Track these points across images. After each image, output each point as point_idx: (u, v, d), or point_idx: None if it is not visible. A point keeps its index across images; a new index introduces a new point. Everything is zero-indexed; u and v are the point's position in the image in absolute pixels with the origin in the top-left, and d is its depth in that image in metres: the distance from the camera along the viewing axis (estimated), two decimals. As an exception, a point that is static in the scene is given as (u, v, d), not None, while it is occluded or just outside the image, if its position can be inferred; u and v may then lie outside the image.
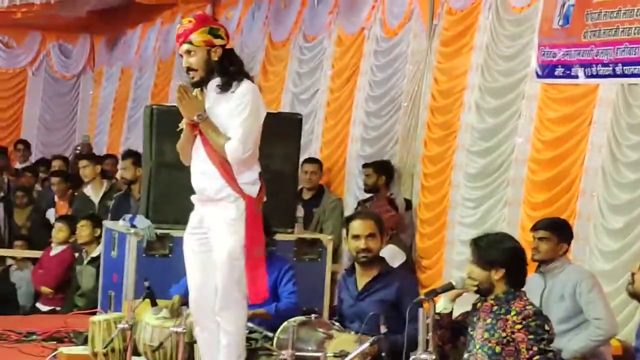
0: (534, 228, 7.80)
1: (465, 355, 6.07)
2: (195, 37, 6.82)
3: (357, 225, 7.53)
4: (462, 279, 6.48)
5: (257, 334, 7.42)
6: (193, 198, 6.97)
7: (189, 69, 6.96)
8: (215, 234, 6.80)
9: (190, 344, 7.13)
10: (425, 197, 10.89)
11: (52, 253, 11.42)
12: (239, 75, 6.93)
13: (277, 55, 13.90)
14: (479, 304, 6.16)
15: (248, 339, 7.39)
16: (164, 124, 9.19)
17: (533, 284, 7.30)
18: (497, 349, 5.86)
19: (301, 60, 13.35)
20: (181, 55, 7.03)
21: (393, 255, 9.79)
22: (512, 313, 5.88)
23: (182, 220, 9.06)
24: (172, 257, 8.93)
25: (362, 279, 7.56)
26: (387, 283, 7.47)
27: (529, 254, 6.75)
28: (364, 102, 11.97)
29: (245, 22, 14.71)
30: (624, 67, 8.39)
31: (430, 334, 5.23)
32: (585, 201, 8.82)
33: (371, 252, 7.43)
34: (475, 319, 6.12)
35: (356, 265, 7.61)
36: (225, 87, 6.83)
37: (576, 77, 8.82)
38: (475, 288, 6.11)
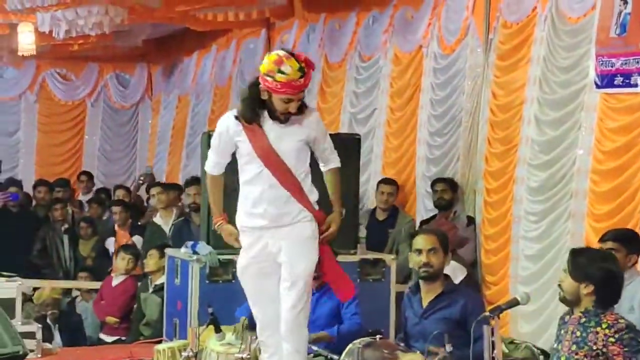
0: (602, 239, 7.76)
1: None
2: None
3: (419, 240, 7.60)
4: (527, 295, 6.47)
5: (321, 357, 7.44)
6: (254, 227, 7.06)
7: (287, 113, 7.00)
8: (291, 255, 6.96)
9: (256, 369, 7.16)
10: (488, 213, 10.85)
11: (114, 283, 11.48)
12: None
13: (334, 77, 13.93)
14: (567, 317, 6.15)
15: (313, 363, 7.44)
16: (222, 150, 9.27)
17: None
18: (585, 360, 5.87)
19: (358, 80, 13.38)
20: (287, 101, 6.97)
21: (454, 270, 9.78)
22: (604, 326, 5.87)
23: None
24: (235, 283, 8.90)
25: (427, 297, 7.58)
26: (451, 300, 7.48)
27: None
28: (427, 121, 11.96)
29: (300, 45, 14.74)
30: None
31: (495, 351, 5.22)
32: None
33: (432, 267, 7.47)
34: (562, 331, 6.11)
35: (420, 283, 7.63)
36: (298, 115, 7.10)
37: (636, 85, 8.76)
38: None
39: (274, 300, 6.99)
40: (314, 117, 7.18)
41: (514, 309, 6.57)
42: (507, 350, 7.57)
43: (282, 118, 6.98)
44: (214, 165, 7.33)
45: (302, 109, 7.05)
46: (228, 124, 7.16)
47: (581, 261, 6.14)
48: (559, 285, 6.19)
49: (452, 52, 11.61)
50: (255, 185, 7.03)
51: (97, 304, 11.62)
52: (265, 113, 7.01)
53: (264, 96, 6.95)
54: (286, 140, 7.01)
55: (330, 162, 7.27)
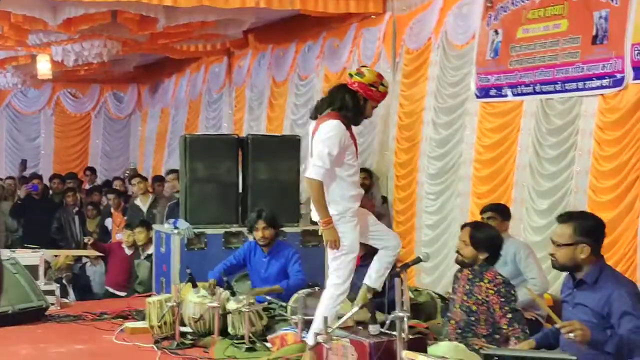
0: (483, 211, 7.81)
1: (448, 314, 6.09)
2: None
3: None
4: (427, 254, 6.49)
5: (274, 304, 7.43)
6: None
7: (368, 117, 6.66)
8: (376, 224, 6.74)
9: (224, 315, 7.14)
10: (398, 194, 10.88)
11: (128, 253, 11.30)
12: None
13: (279, 92, 13.89)
14: (459, 274, 6.16)
15: (268, 309, 7.42)
16: (195, 148, 9.22)
17: None
18: (474, 307, 5.87)
19: (297, 94, 13.36)
20: (374, 108, 6.59)
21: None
22: (486, 281, 5.88)
23: (213, 221, 9.15)
24: (207, 250, 8.95)
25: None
26: (372, 260, 7.48)
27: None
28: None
29: (253, 68, 14.72)
30: (542, 86, 8.42)
31: (404, 297, 5.23)
32: (518, 190, 8.82)
33: None
34: (456, 285, 6.13)
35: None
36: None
37: (506, 95, 8.83)
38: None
39: None
40: None
41: (417, 265, 6.58)
42: (412, 296, 7.62)
43: (361, 120, 6.60)
44: (325, 172, 6.32)
45: None
46: (343, 129, 6.38)
47: (480, 235, 6.13)
48: (458, 252, 6.15)
49: (368, 73, 11.60)
50: (355, 177, 6.56)
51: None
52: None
53: (360, 101, 6.45)
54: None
55: None
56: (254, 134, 11.04)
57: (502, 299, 5.77)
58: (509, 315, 5.72)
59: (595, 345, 4.69)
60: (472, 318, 5.86)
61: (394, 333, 5.15)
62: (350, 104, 6.40)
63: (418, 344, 5.43)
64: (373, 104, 6.50)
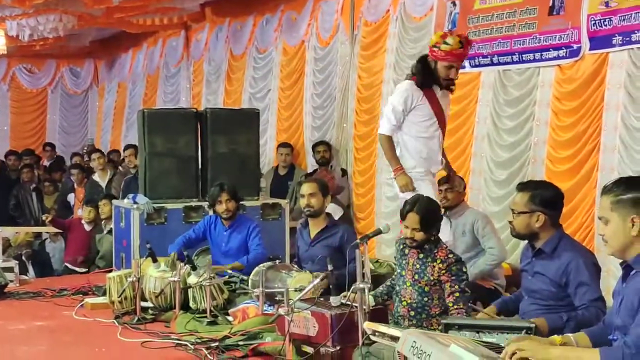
0: (439, 183, 7.83)
1: (397, 288, 6.06)
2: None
3: (304, 187, 7.62)
4: (388, 226, 6.47)
5: (235, 278, 7.42)
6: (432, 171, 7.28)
7: (449, 79, 7.11)
8: None
9: (185, 289, 7.11)
10: (357, 166, 10.91)
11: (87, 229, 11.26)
12: None
13: (237, 65, 13.84)
14: (406, 250, 6.08)
15: (229, 282, 7.40)
16: (154, 123, 9.15)
17: (443, 224, 7.32)
18: (427, 288, 5.86)
19: (255, 68, 13.31)
20: (449, 67, 7.06)
21: (334, 210, 9.85)
22: (438, 261, 5.84)
23: (173, 196, 9.10)
24: (167, 225, 8.90)
25: (313, 230, 7.59)
26: (332, 232, 7.51)
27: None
28: (310, 98, 11.95)
29: (211, 42, 14.63)
30: (499, 58, 8.46)
31: (365, 268, 5.23)
32: (476, 160, 8.88)
33: (313, 207, 7.48)
34: (404, 261, 6.06)
35: (309, 219, 7.63)
36: (450, 90, 7.28)
37: (464, 67, 8.84)
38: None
39: None
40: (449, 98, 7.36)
41: (378, 236, 6.57)
42: (373, 268, 7.64)
43: (444, 84, 7.08)
44: (391, 128, 7.14)
45: (452, 87, 7.23)
46: (412, 91, 7.11)
47: (430, 217, 5.95)
48: (411, 238, 6.04)
49: (327, 45, 11.61)
50: (433, 140, 7.18)
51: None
52: (437, 86, 7.11)
53: (432, 65, 7.05)
54: (447, 109, 7.26)
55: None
56: (212, 107, 10.99)
57: (453, 277, 5.76)
58: (456, 294, 5.71)
59: (553, 332, 4.71)
60: (426, 298, 5.85)
61: (355, 304, 5.16)
62: (418, 67, 7.11)
63: (379, 315, 5.45)
64: (443, 63, 7.03)
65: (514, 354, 3.71)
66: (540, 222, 5.09)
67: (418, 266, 5.92)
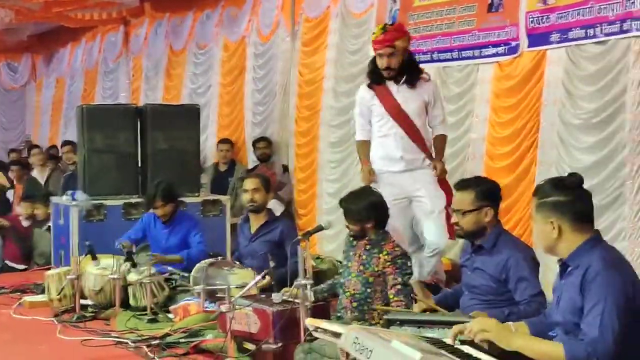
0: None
1: (342, 280, 6.08)
2: (399, 43, 6.91)
3: (247, 183, 7.62)
4: (329, 222, 6.49)
5: (176, 275, 7.38)
6: (390, 170, 7.04)
7: (387, 68, 6.95)
8: (427, 192, 6.95)
9: (125, 287, 7.07)
10: (299, 162, 10.91)
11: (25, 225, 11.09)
12: (420, 73, 7.10)
13: (177, 61, 13.76)
14: (354, 242, 6.10)
15: (169, 279, 7.36)
16: (93, 119, 9.07)
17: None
18: (370, 279, 5.88)
19: (196, 63, 13.24)
20: (380, 56, 6.97)
21: (275, 206, 9.85)
22: (384, 253, 5.87)
23: (112, 192, 9.02)
24: (106, 221, 8.83)
25: (254, 225, 7.58)
26: (273, 227, 7.50)
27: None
28: (251, 94, 11.91)
29: (150, 37, 14.53)
30: (439, 54, 8.51)
31: (307, 265, 5.23)
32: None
33: (256, 202, 7.48)
34: (351, 253, 6.09)
35: (249, 214, 7.63)
36: (412, 82, 6.98)
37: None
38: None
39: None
40: (430, 85, 7.13)
41: (319, 232, 6.57)
42: (315, 264, 7.65)
43: (385, 75, 6.94)
44: (360, 133, 7.17)
45: (416, 75, 7.01)
46: (363, 93, 7.14)
47: (353, 208, 6.03)
48: (347, 227, 6.08)
49: (267, 41, 11.58)
50: (387, 140, 7.02)
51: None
52: (392, 82, 6.99)
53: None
54: (410, 103, 6.98)
55: (436, 129, 7.17)
56: (152, 103, 10.90)
57: (397, 270, 5.80)
58: (398, 287, 5.75)
59: None
60: (369, 290, 5.88)
61: (297, 301, 5.16)
62: (369, 66, 7.18)
63: (321, 312, 5.46)
64: (376, 55, 7.04)
65: (478, 332, 3.76)
66: (489, 217, 5.10)
67: (365, 257, 5.96)
